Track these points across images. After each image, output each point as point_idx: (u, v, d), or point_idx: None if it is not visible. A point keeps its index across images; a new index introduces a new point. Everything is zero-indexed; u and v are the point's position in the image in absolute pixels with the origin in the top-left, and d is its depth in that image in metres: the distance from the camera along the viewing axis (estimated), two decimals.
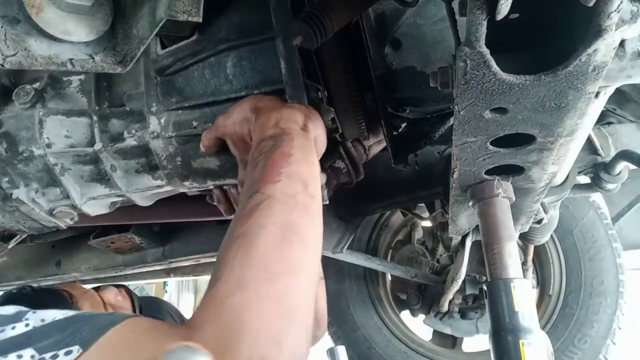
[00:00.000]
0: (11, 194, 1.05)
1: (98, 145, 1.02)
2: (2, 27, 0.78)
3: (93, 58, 0.87)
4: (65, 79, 1.06)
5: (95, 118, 1.03)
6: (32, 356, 0.55)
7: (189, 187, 1.10)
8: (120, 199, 1.17)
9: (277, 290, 0.63)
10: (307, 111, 0.89)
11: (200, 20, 0.83)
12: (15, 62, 0.80)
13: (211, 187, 1.10)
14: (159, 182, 1.09)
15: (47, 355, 0.55)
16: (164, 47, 1.01)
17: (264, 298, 0.62)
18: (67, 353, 0.56)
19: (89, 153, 1.04)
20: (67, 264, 2.32)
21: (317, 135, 0.89)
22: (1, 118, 1.04)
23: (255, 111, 0.88)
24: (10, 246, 1.95)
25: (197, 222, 1.98)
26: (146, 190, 1.13)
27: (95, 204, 1.15)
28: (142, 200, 1.18)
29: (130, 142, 1.02)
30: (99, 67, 0.87)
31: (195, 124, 0.99)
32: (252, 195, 0.73)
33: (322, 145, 0.92)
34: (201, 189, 1.13)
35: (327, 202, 1.08)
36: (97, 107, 1.04)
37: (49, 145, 1.02)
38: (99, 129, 1.03)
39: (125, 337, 0.60)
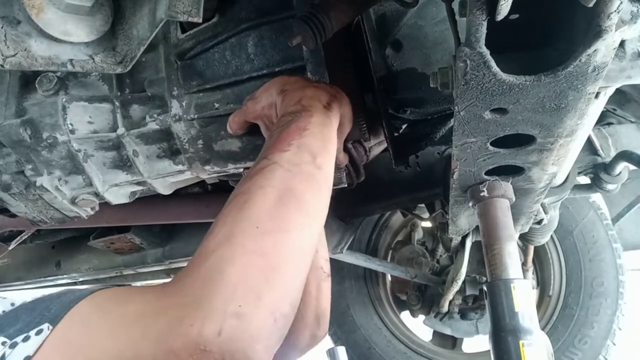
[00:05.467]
0: (35, 181, 1.07)
1: (121, 130, 1.04)
2: (2, 27, 0.78)
3: (93, 59, 0.87)
4: None
5: (117, 104, 1.06)
6: (3, 342, 0.54)
7: (210, 172, 1.12)
8: (141, 187, 1.19)
9: (265, 246, 0.63)
10: (332, 91, 0.91)
11: (200, 20, 0.83)
12: (16, 63, 0.80)
13: (231, 171, 1.12)
14: (180, 167, 1.11)
15: (19, 339, 0.55)
16: (183, 31, 1.03)
17: (249, 252, 0.62)
18: (38, 332, 0.55)
19: (111, 138, 1.06)
20: (67, 265, 2.32)
21: (344, 113, 0.91)
22: (25, 105, 1.05)
23: (282, 93, 0.89)
24: (11, 247, 1.95)
25: (197, 223, 1.98)
26: (167, 176, 1.15)
27: (117, 191, 1.18)
28: (163, 188, 1.20)
29: (152, 126, 1.04)
30: (99, 67, 0.88)
31: (217, 105, 1.01)
32: (259, 161, 0.75)
33: (349, 123, 0.94)
34: (221, 174, 1.14)
35: (345, 185, 1.11)
36: (118, 93, 1.06)
37: (72, 132, 1.03)
38: (121, 114, 1.05)
39: (95, 305, 0.60)
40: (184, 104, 1.03)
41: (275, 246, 0.64)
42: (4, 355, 0.53)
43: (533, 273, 2.34)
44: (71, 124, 1.03)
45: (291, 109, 0.84)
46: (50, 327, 0.55)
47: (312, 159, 0.76)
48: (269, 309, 0.59)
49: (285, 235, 0.66)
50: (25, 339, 0.55)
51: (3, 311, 0.60)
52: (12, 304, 0.61)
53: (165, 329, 0.55)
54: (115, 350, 0.55)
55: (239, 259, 0.61)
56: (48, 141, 1.04)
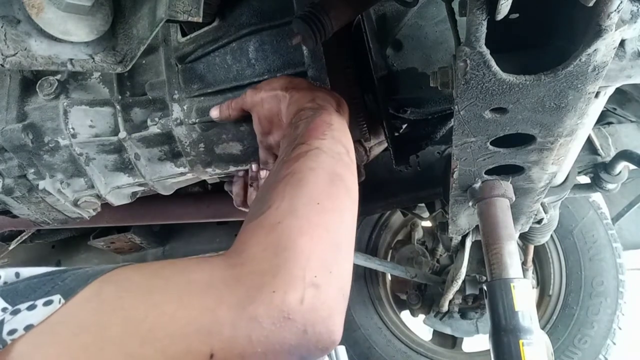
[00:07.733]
0: (37, 185, 1.07)
1: (122, 134, 1.04)
2: (2, 27, 0.78)
3: (93, 58, 0.87)
4: None
5: (118, 107, 1.05)
6: (4, 309, 0.48)
7: (211, 174, 1.12)
8: (142, 188, 1.19)
9: (328, 222, 0.62)
10: (337, 96, 0.92)
11: (200, 20, 0.83)
12: (15, 62, 0.80)
13: (232, 173, 1.12)
14: (181, 170, 1.11)
15: (23, 306, 0.48)
16: (184, 34, 1.02)
17: (316, 226, 0.60)
18: (47, 303, 0.49)
19: (113, 142, 1.06)
20: (67, 264, 2.32)
21: (346, 119, 0.92)
22: (26, 110, 1.05)
23: (288, 90, 0.89)
24: (11, 247, 1.95)
25: (197, 223, 1.98)
26: (169, 178, 1.14)
27: (119, 193, 1.18)
28: (164, 189, 1.20)
29: (154, 129, 1.04)
30: (99, 67, 0.88)
31: None
32: (296, 146, 0.74)
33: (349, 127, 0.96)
34: (222, 176, 1.14)
35: None
36: (119, 97, 1.06)
37: (74, 136, 1.03)
38: (122, 118, 1.05)
39: (141, 274, 0.55)
40: (185, 107, 1.03)
41: (336, 225, 0.63)
42: (2, 320, 0.47)
43: (533, 272, 2.34)
44: (73, 128, 1.03)
45: (308, 105, 0.84)
46: (62, 300, 0.49)
47: (346, 151, 0.77)
48: (339, 284, 0.58)
49: (342, 215, 0.66)
50: (31, 308, 0.48)
51: (5, 282, 0.52)
52: (17, 274, 0.54)
53: (245, 296, 0.52)
54: (188, 317, 0.50)
55: (307, 231, 0.59)
56: (50, 145, 1.04)
